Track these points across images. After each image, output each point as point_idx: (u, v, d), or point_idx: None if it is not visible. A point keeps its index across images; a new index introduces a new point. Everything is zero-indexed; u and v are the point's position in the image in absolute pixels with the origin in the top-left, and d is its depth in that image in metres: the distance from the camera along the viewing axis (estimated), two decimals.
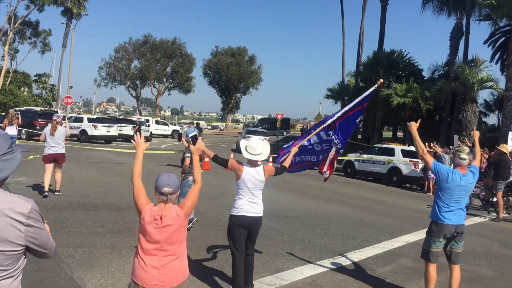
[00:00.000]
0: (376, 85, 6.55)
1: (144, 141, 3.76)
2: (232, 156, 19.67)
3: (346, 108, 6.72)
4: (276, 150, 26.21)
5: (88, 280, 5.36)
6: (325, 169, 6.88)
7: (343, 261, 7.11)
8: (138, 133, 4.21)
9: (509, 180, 13.11)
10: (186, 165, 8.23)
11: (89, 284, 5.24)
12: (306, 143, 6.78)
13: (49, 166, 10.44)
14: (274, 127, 47.96)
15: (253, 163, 5.34)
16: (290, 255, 7.22)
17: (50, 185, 10.48)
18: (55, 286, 5.11)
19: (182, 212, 3.36)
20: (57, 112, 30.38)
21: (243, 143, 5.50)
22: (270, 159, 17.28)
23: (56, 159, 10.54)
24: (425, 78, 34.09)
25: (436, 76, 33.22)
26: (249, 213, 5.25)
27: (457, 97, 28.41)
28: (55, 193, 10.48)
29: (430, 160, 5.48)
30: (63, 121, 11.04)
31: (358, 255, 7.50)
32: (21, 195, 2.08)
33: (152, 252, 3.28)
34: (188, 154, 7.89)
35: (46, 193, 10.21)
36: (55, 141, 10.46)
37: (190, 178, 7.58)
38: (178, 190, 3.38)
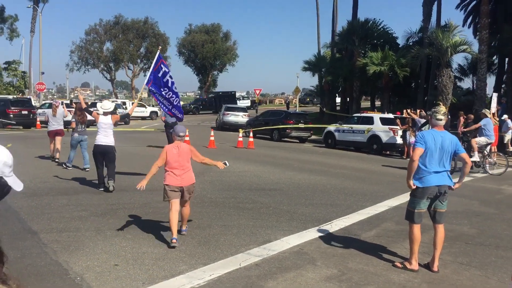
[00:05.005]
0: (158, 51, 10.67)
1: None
2: (212, 133, 19.68)
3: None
4: (257, 125, 26.18)
5: (74, 263, 5.29)
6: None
7: (329, 228, 7.18)
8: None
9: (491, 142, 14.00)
10: (73, 126, 12.37)
11: (75, 267, 5.17)
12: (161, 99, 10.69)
13: (52, 140, 13.64)
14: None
15: (105, 114, 9.53)
16: (276, 226, 7.25)
17: (53, 156, 13.45)
18: (41, 271, 5.03)
19: (189, 147, 6.36)
20: (30, 99, 29.70)
21: (99, 105, 10.14)
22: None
23: (58, 133, 13.57)
24: (400, 46, 34.13)
25: (411, 43, 33.26)
26: (103, 143, 9.39)
27: (432, 63, 28.57)
28: (55, 160, 13.21)
29: (416, 154, 5.35)
30: (60, 105, 14.17)
31: (342, 222, 7.59)
32: None
33: (176, 167, 6.11)
34: (74, 120, 12.48)
35: (55, 160, 13.28)
36: (56, 120, 13.58)
37: (75, 135, 12.33)
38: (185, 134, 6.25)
